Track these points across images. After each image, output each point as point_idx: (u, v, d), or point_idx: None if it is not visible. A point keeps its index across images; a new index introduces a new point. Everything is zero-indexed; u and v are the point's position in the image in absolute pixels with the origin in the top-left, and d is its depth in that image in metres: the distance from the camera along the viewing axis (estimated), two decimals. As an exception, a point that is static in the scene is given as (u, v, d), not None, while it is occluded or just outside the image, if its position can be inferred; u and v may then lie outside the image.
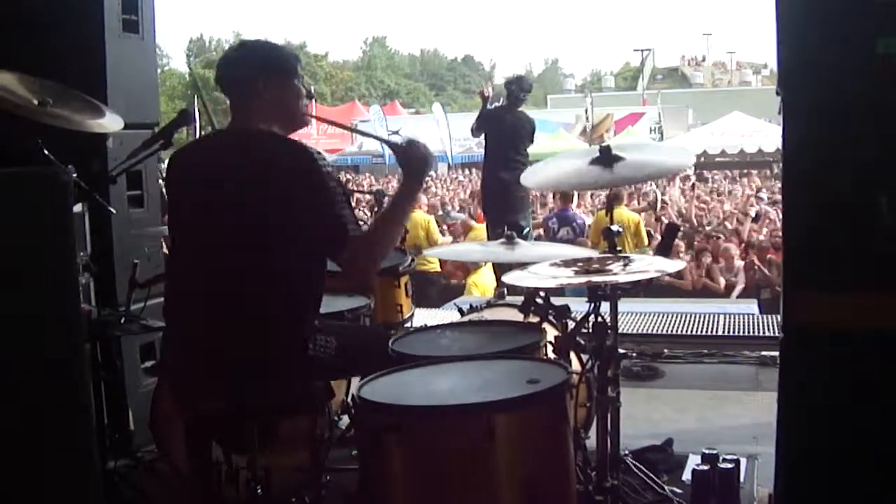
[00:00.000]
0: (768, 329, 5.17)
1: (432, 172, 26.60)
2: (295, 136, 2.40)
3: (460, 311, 3.53)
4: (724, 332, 5.25)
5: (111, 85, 3.42)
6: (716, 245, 8.53)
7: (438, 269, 8.50)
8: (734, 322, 5.40)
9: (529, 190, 6.95)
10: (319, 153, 2.27)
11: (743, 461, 2.97)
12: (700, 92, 42.24)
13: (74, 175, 2.62)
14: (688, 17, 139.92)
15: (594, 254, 3.05)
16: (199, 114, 12.01)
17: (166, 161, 2.51)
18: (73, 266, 2.17)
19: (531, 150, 6.82)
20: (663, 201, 11.39)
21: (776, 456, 2.38)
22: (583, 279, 2.56)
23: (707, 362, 4.77)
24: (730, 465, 2.75)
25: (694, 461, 2.95)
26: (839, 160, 2.23)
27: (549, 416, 2.01)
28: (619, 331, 2.76)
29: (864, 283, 2.22)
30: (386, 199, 4.03)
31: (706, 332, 5.27)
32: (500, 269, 5.78)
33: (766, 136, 20.02)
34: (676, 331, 5.34)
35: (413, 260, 3.89)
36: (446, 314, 5.51)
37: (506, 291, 3.48)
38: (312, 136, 29.36)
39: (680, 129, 26.73)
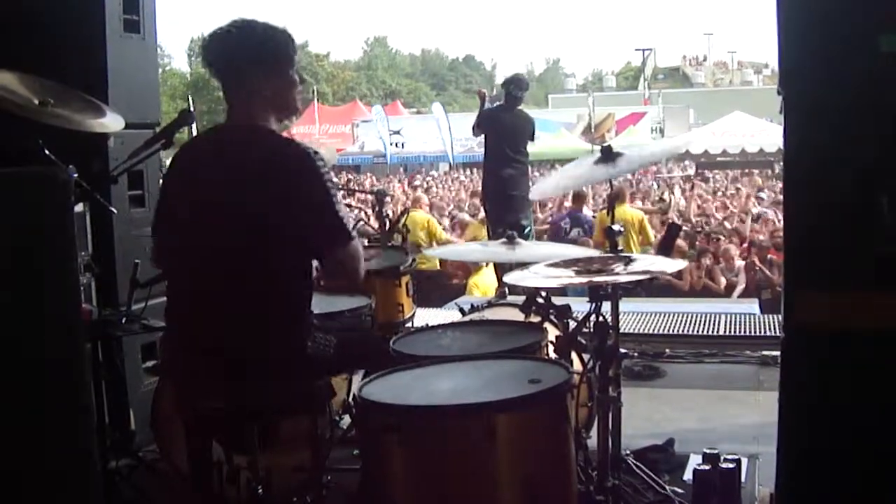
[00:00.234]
0: (769, 329, 5.17)
1: (434, 172, 26.70)
2: (296, 135, 2.40)
3: (461, 310, 3.53)
4: (725, 331, 5.24)
5: (112, 84, 3.42)
6: (717, 245, 8.53)
7: (438, 268, 8.49)
8: (735, 322, 5.39)
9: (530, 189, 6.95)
10: (317, 152, 2.27)
11: (744, 461, 2.96)
12: (701, 91, 42.20)
13: (75, 175, 2.63)
14: (689, 16, 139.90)
15: (595, 253, 3.04)
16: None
17: (169, 160, 2.50)
18: (73, 266, 2.16)
19: (532, 149, 6.82)
20: (662, 199, 11.38)
21: (777, 455, 2.38)
22: (584, 279, 2.56)
23: (708, 362, 4.77)
24: (731, 465, 2.75)
25: (695, 461, 2.95)
26: (840, 160, 2.23)
27: (550, 416, 2.01)
28: (621, 330, 2.76)
29: (865, 283, 2.22)
30: (386, 198, 4.05)
31: (707, 331, 5.27)
32: (500, 268, 5.78)
33: (768, 135, 19.95)
34: (677, 331, 5.33)
35: (414, 259, 3.89)
36: (447, 314, 5.51)
37: (507, 291, 3.48)
38: (314, 135, 29.41)
39: (681, 128, 26.70)
